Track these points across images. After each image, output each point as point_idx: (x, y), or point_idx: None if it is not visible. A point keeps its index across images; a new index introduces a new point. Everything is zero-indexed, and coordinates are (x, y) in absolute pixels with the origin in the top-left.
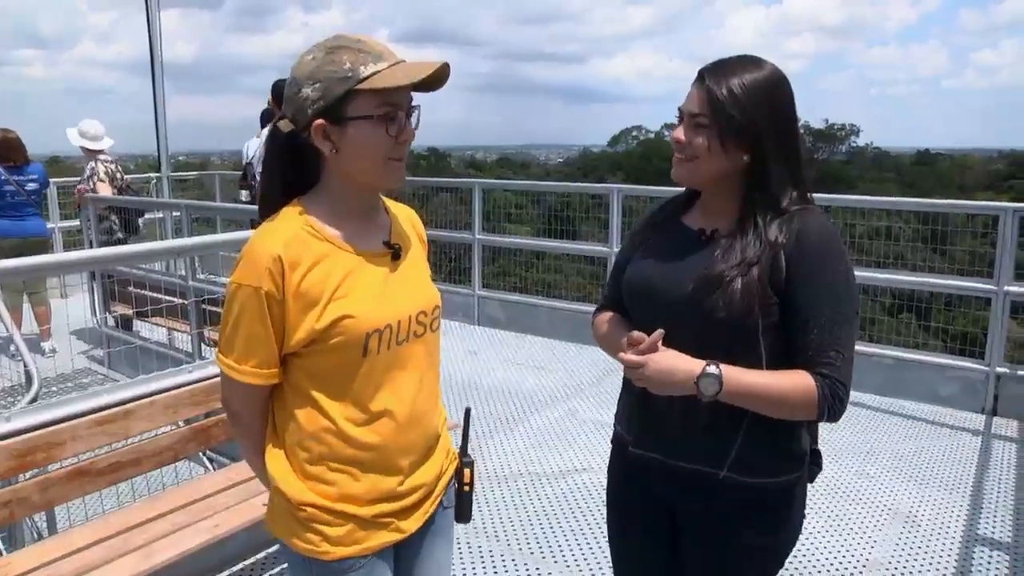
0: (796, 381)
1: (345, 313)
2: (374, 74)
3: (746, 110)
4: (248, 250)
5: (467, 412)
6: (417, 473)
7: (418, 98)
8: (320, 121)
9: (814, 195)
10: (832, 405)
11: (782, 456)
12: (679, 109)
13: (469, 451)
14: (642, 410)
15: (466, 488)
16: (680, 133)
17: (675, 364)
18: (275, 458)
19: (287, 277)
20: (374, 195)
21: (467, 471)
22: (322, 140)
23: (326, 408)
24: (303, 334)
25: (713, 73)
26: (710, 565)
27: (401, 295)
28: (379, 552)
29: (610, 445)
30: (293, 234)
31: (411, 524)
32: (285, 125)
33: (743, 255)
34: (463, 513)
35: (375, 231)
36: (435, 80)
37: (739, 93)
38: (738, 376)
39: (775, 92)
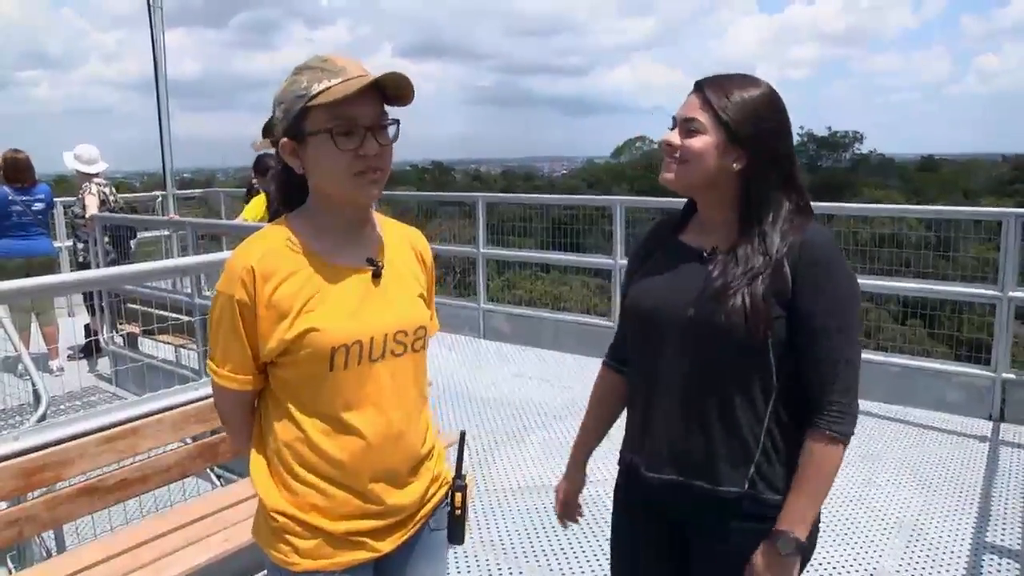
0: (822, 463)
1: (312, 326)
2: (326, 89)
3: (741, 116)
4: (228, 261)
5: (462, 435)
6: (394, 494)
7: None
8: (285, 140)
9: (819, 203)
10: (846, 439)
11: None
12: (673, 117)
13: (463, 473)
14: (654, 433)
15: (457, 513)
16: (673, 137)
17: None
18: (257, 465)
19: (259, 288)
20: (357, 211)
21: (458, 495)
22: (291, 158)
23: (298, 419)
24: (274, 343)
25: (711, 83)
26: None
27: (377, 313)
28: (351, 569)
29: (615, 458)
30: (269, 247)
31: (387, 545)
32: (258, 146)
33: (746, 267)
34: (455, 535)
35: (359, 247)
36: (395, 90)
37: (735, 100)
38: (800, 513)
39: (769, 105)
